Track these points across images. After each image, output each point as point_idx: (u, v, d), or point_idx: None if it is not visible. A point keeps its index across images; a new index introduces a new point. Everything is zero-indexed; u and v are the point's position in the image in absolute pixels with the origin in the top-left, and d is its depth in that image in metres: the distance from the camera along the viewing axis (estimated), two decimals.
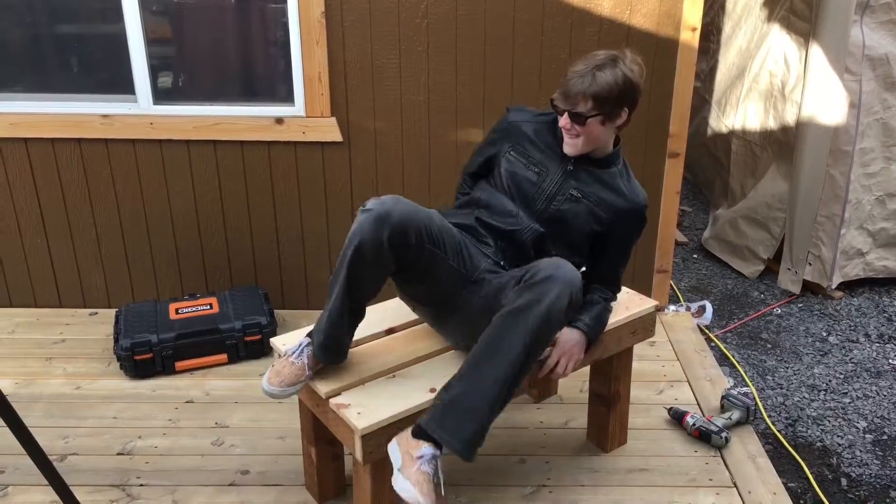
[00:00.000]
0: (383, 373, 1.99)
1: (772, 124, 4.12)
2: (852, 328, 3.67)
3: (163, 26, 3.05)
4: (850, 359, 3.42)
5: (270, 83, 3.15)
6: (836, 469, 2.73)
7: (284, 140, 3.07)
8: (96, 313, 3.29)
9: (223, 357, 2.89)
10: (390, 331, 2.19)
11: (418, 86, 3.02)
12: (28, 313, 3.28)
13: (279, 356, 2.03)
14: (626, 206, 2.06)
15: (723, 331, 3.64)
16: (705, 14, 4.64)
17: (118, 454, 2.41)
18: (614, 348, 2.27)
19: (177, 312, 2.93)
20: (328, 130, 3.06)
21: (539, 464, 2.39)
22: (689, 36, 2.95)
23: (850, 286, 4.02)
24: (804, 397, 3.14)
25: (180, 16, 3.07)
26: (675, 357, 3.02)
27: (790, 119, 3.94)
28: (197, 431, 2.53)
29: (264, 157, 3.11)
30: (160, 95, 3.06)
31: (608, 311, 2.16)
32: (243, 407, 2.66)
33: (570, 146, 2.01)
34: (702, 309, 3.48)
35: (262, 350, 2.93)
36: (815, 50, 3.64)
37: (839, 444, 2.85)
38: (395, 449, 1.75)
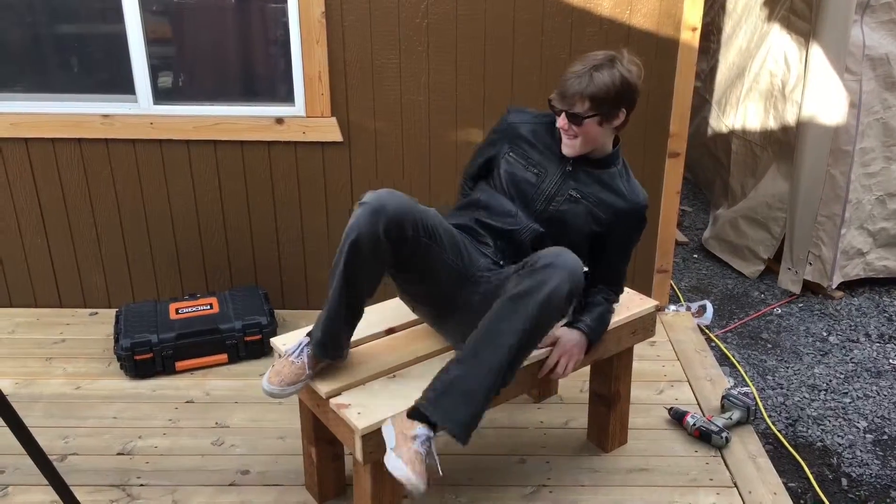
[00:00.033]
0: (383, 373, 1.99)
1: (772, 124, 4.12)
2: (853, 328, 3.67)
3: (163, 26, 3.05)
4: (851, 359, 3.42)
5: (270, 83, 3.15)
6: (837, 469, 2.73)
7: (284, 140, 3.07)
8: (96, 313, 3.29)
9: (223, 357, 2.90)
10: (390, 331, 2.19)
11: (418, 86, 3.02)
12: (28, 313, 3.28)
13: (279, 356, 2.03)
14: (626, 206, 2.06)
15: (723, 331, 3.64)
16: (706, 14, 4.65)
17: (118, 454, 2.41)
18: (614, 348, 2.27)
19: (177, 312, 2.93)
20: (328, 130, 3.06)
21: (539, 464, 2.39)
22: (690, 36, 2.95)
23: (850, 286, 4.02)
24: (804, 397, 3.14)
25: (180, 16, 3.07)
26: (676, 357, 3.02)
27: (790, 119, 3.94)
28: (197, 431, 2.53)
29: (264, 157, 3.11)
30: (160, 95, 3.06)
31: (610, 312, 2.16)
32: (243, 407, 2.66)
33: (569, 147, 2.01)
34: (702, 309, 3.48)
35: (262, 350, 2.93)
36: (816, 50, 3.64)
37: (839, 444, 2.85)
38: (389, 429, 1.76)
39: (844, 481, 2.67)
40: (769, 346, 3.52)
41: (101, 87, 3.07)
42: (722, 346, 3.47)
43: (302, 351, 1.93)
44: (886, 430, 2.93)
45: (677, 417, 2.56)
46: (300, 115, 3.05)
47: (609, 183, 2.06)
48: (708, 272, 4.26)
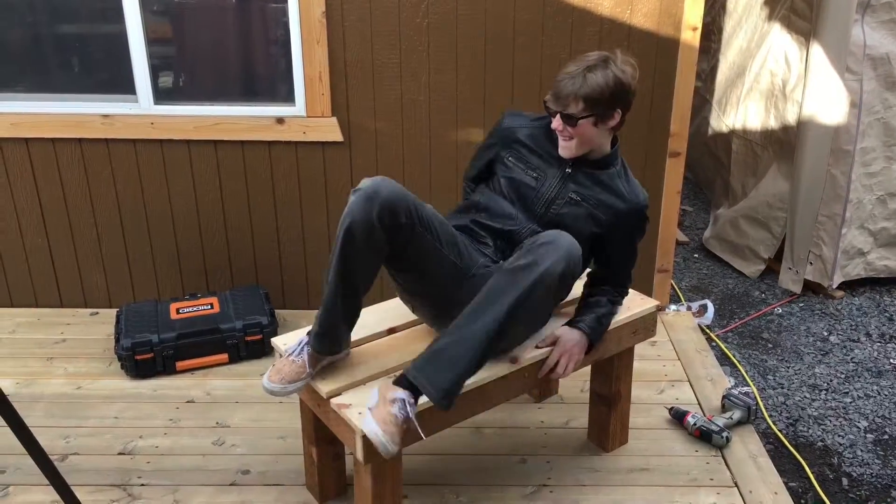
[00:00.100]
0: (384, 373, 1.99)
1: (772, 124, 4.11)
2: (853, 328, 3.67)
3: (163, 26, 3.05)
4: (851, 358, 3.42)
5: (271, 83, 3.15)
6: (838, 469, 2.73)
7: (285, 140, 3.07)
8: (97, 313, 3.29)
9: (224, 357, 2.90)
10: (391, 331, 2.19)
11: (419, 85, 3.02)
12: (29, 313, 3.28)
13: (280, 356, 2.03)
14: (625, 207, 2.06)
15: (724, 330, 3.64)
16: (706, 13, 4.63)
17: (119, 454, 2.41)
18: (615, 348, 2.27)
19: (178, 312, 2.93)
20: (329, 130, 3.06)
21: (540, 463, 2.39)
22: (690, 35, 2.95)
23: (851, 286, 4.01)
24: (805, 397, 3.14)
25: (181, 16, 3.07)
26: (676, 357, 3.01)
27: (791, 118, 3.94)
28: (198, 431, 2.53)
29: (265, 156, 3.11)
30: (161, 95, 3.06)
31: (612, 313, 2.16)
32: (244, 407, 2.66)
33: (565, 148, 2.01)
34: (703, 308, 3.48)
35: (262, 350, 2.93)
36: (816, 49, 3.64)
37: (840, 444, 2.85)
38: (374, 393, 1.80)
39: (845, 481, 2.67)
40: (770, 345, 3.52)
41: (102, 87, 3.08)
42: (722, 346, 3.47)
43: (302, 350, 1.93)
44: (887, 429, 2.93)
45: (678, 417, 2.56)
46: (301, 114, 3.05)
47: (608, 184, 2.06)
48: (708, 272, 4.26)
